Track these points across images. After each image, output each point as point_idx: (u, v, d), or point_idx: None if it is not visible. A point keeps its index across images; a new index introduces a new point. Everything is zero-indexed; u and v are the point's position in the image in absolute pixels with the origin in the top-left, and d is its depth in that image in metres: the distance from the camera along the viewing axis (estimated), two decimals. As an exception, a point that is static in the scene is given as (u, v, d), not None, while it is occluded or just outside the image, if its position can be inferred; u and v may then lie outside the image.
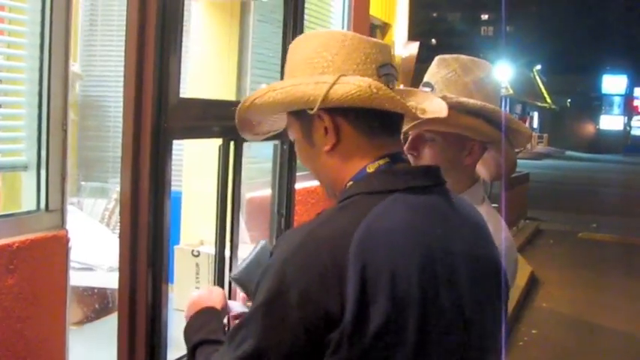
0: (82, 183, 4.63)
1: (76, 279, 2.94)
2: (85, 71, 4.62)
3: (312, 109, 1.47)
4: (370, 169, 1.51)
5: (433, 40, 63.91)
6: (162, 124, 2.09)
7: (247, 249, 2.97)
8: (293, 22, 2.84)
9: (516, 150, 2.39)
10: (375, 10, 7.66)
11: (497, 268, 1.64)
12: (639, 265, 11.80)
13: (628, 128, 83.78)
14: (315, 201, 4.11)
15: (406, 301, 1.37)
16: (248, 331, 1.40)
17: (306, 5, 4.33)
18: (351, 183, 1.51)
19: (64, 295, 2.10)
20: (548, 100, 61.62)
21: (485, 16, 78.34)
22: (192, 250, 2.92)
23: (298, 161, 3.07)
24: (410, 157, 2.07)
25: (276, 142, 2.89)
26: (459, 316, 1.46)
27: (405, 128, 2.08)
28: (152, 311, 2.13)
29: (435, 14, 75.78)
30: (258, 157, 3.19)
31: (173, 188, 3.34)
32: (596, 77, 77.27)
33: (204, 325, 1.71)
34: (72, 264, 2.99)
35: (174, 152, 3.38)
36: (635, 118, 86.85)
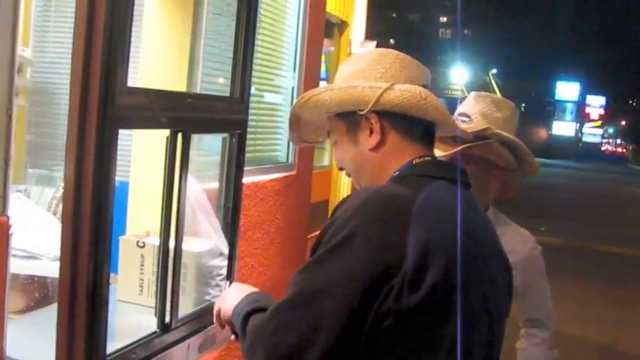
0: (30, 170, 4.55)
1: (20, 267, 2.90)
2: (37, 57, 4.55)
3: (362, 110, 1.70)
4: (416, 161, 1.73)
5: (391, 40, 64.13)
6: (108, 112, 2.06)
7: (195, 241, 2.97)
8: (246, 15, 2.84)
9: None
10: (333, 8, 7.66)
11: (509, 267, 1.83)
12: (587, 270, 12.02)
13: (580, 134, 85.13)
14: (264, 196, 4.11)
15: (455, 265, 1.53)
16: (314, 271, 1.54)
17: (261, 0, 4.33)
18: (397, 173, 1.72)
19: (2, 284, 2.06)
20: (503, 104, 62.22)
21: (444, 19, 78.85)
22: (138, 241, 2.89)
23: (247, 155, 3.07)
24: None
25: (225, 135, 2.88)
26: (485, 302, 1.65)
27: (451, 151, 2.50)
28: (92, 301, 2.10)
29: (394, 14, 76.05)
30: (210, 151, 3.17)
31: (121, 179, 3.32)
32: (550, 83, 78.40)
33: (258, 300, 1.81)
34: (16, 252, 2.95)
35: (122, 142, 3.37)
36: (586, 124, 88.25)
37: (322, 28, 5.13)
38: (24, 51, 3.95)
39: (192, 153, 3.15)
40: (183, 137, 2.50)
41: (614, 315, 9.30)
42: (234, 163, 2.88)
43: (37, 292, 3.00)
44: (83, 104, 2.04)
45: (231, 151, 2.88)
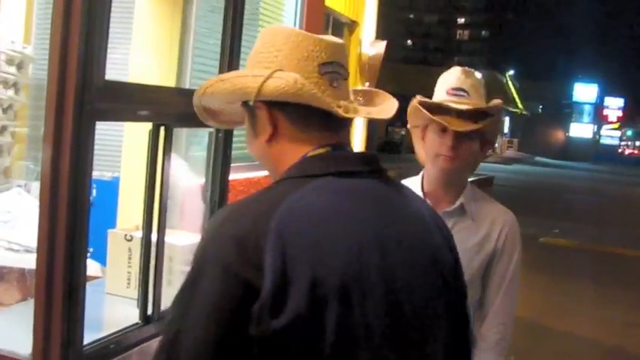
0: (31, 166, 4.61)
1: (18, 261, 2.95)
2: (39, 54, 4.60)
3: (249, 101, 1.57)
4: (310, 154, 1.55)
5: (409, 41, 64.10)
6: (86, 105, 2.09)
7: (182, 235, 3.00)
8: (233, 11, 2.87)
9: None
10: (343, 8, 7.69)
11: (440, 258, 1.61)
12: (602, 272, 11.97)
13: (597, 137, 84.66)
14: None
15: (327, 279, 1.37)
16: (175, 310, 1.43)
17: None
18: (288, 168, 1.55)
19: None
20: (520, 105, 62.03)
21: (461, 20, 78.70)
22: (126, 235, 2.92)
23: (241, 151, 3.09)
24: (449, 152, 2.53)
25: (212, 129, 2.90)
26: (391, 301, 1.44)
27: (472, 127, 2.52)
28: (69, 292, 2.13)
29: (411, 16, 76.00)
30: (200, 146, 3.20)
31: (113, 173, 3.36)
32: (568, 85, 78.00)
33: None
34: (13, 246, 3.00)
35: (113, 137, 3.41)
36: (604, 127, 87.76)
37: (321, 24, 5.15)
38: (25, 48, 3.99)
39: (187, 148, 3.19)
40: (166, 131, 2.52)
41: (629, 318, 9.25)
42: (221, 158, 2.90)
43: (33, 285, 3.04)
44: (60, 97, 2.07)
45: (217, 146, 2.90)
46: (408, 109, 2.66)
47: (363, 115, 1.67)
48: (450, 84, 2.63)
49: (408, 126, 2.77)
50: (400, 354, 1.46)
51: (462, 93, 2.59)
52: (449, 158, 2.56)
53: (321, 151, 1.56)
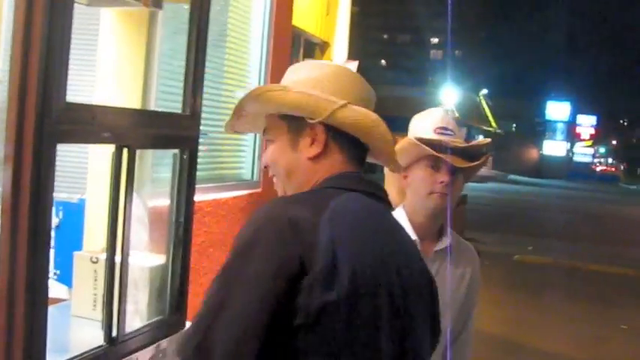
0: None
1: None
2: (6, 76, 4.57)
3: (311, 119, 1.73)
4: (336, 174, 1.75)
5: (383, 61, 64.43)
6: (46, 127, 2.09)
7: (148, 256, 3.00)
8: (197, 33, 2.89)
9: None
10: (314, 29, 7.72)
11: (430, 282, 1.86)
12: (574, 289, 12.06)
13: (571, 154, 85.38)
14: (226, 213, 4.13)
15: (364, 271, 1.57)
16: (219, 283, 1.54)
17: (228, 16, 4.38)
18: (320, 182, 1.74)
19: None
20: (494, 124, 62.44)
21: (435, 40, 79.23)
22: (91, 257, 2.91)
23: (200, 173, 3.10)
24: (444, 189, 2.60)
25: (176, 151, 2.91)
26: (394, 313, 1.65)
27: (471, 164, 2.63)
28: (30, 316, 2.12)
29: (385, 36, 76.44)
30: (166, 167, 3.19)
31: (79, 195, 3.34)
32: (541, 103, 78.65)
33: None
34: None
35: (78, 159, 3.40)
36: (577, 144, 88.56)
37: (288, 44, 5.18)
38: None
39: (153, 169, 3.18)
40: (129, 153, 2.53)
41: (600, 333, 9.32)
42: (186, 179, 2.90)
43: None
44: (20, 119, 2.07)
45: (182, 168, 2.90)
46: (397, 147, 2.70)
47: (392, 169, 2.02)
48: (437, 123, 2.69)
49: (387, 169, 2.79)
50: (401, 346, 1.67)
51: (449, 132, 2.66)
52: (443, 195, 2.60)
53: (352, 171, 1.78)
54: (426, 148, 2.59)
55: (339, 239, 1.56)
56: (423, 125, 2.71)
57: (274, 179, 1.86)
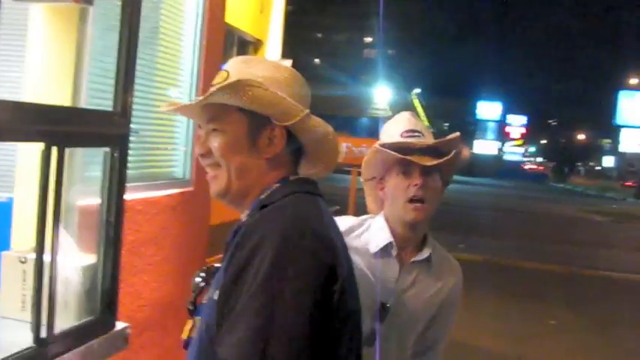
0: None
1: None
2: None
3: (277, 120, 1.78)
4: (292, 177, 1.84)
5: (316, 60, 64.53)
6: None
7: (79, 256, 2.96)
8: (128, 30, 2.86)
9: None
10: (248, 27, 7.70)
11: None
12: (503, 285, 12.27)
13: (501, 153, 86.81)
14: (157, 211, 4.10)
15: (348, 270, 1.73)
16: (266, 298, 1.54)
17: (160, 13, 4.34)
18: (278, 185, 1.80)
19: None
20: (427, 123, 62.95)
21: (368, 39, 79.58)
22: (20, 257, 2.86)
23: (132, 171, 3.07)
24: (418, 191, 2.56)
25: (107, 149, 2.87)
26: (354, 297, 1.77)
27: (438, 161, 2.58)
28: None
29: (319, 34, 76.55)
30: (96, 165, 3.16)
31: (7, 194, 3.28)
32: (473, 103, 79.84)
33: None
34: None
35: (5, 157, 3.33)
36: (508, 143, 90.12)
37: (221, 42, 5.15)
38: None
39: (83, 168, 3.14)
40: (59, 151, 2.49)
41: (528, 329, 9.50)
42: (116, 177, 2.87)
43: None
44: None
45: (112, 166, 2.87)
46: (365, 160, 2.70)
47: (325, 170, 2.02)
48: (404, 127, 2.67)
49: (362, 179, 2.78)
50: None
51: (417, 134, 2.64)
52: (421, 208, 2.56)
53: (299, 177, 1.87)
54: (390, 152, 2.58)
55: (341, 244, 1.74)
56: (391, 132, 2.69)
57: (210, 170, 1.85)
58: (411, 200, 2.57)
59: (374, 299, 2.54)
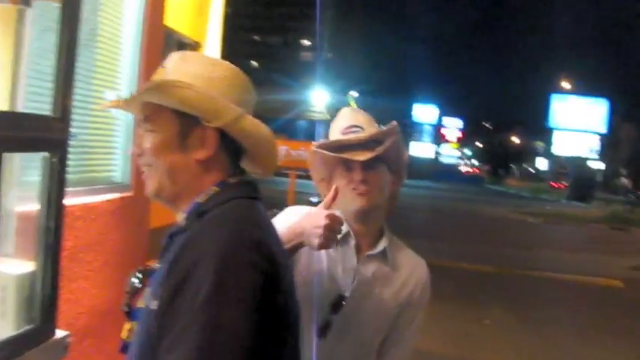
0: None
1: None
2: None
3: (208, 122, 1.73)
4: (232, 180, 1.79)
5: (253, 62, 64.42)
6: None
7: (17, 263, 2.89)
8: (67, 32, 2.81)
9: None
10: (185, 29, 7.64)
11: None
12: (438, 287, 12.36)
13: (438, 156, 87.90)
14: (96, 217, 4.03)
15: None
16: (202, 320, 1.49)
17: (100, 15, 4.28)
18: (216, 189, 1.75)
19: None
20: (364, 124, 63.31)
21: (306, 42, 79.87)
22: (-45, 265, 2.78)
23: (70, 176, 3.01)
24: (359, 186, 2.55)
25: (46, 154, 2.82)
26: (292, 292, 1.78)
27: (370, 155, 2.52)
28: None
29: (256, 37, 76.46)
30: (35, 170, 3.09)
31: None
32: (409, 106, 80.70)
33: None
34: None
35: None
36: (443, 146, 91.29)
37: (161, 45, 5.09)
38: None
39: (21, 173, 3.07)
40: (-4, 156, 2.43)
41: (465, 329, 9.62)
42: (56, 183, 2.81)
43: None
44: None
45: (52, 171, 2.81)
46: (308, 163, 2.68)
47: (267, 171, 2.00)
48: (343, 125, 2.65)
49: (314, 182, 2.76)
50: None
51: (356, 129, 2.61)
52: (362, 194, 2.55)
53: (240, 177, 1.82)
54: (325, 152, 2.57)
55: (279, 249, 1.74)
56: (333, 130, 2.68)
57: (145, 170, 1.83)
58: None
59: (330, 289, 2.55)
